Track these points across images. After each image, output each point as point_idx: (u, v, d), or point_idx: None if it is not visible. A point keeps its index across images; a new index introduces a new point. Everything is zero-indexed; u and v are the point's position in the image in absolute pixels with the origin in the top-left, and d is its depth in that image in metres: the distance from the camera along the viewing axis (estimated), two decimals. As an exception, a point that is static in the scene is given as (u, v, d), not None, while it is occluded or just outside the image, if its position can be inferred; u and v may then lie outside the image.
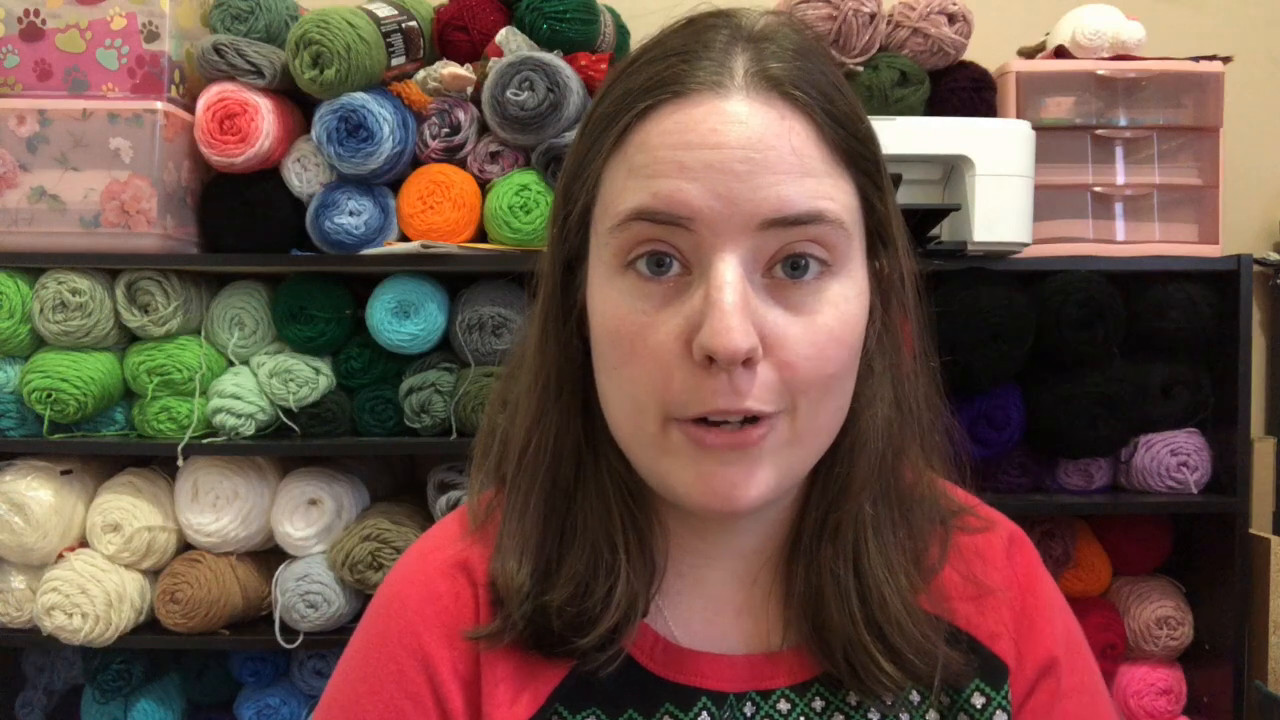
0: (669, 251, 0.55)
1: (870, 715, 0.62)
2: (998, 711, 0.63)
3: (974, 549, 0.67)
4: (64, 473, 1.61)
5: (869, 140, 0.59)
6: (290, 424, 1.61)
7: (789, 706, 0.63)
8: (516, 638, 0.61)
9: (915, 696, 0.63)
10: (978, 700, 0.63)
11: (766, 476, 0.56)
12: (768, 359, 0.54)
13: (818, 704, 0.62)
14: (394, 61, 1.59)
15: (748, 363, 0.53)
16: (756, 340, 0.53)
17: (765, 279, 0.55)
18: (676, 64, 0.56)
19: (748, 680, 0.63)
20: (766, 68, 0.56)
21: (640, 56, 0.59)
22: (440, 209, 1.59)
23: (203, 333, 1.64)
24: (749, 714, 0.62)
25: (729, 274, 0.53)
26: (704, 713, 0.62)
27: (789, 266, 0.55)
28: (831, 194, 0.55)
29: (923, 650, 0.61)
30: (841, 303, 0.56)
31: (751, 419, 0.55)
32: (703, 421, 0.55)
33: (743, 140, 0.54)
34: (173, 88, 1.59)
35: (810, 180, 0.54)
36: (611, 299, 0.57)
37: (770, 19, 0.59)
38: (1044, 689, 0.65)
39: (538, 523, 0.62)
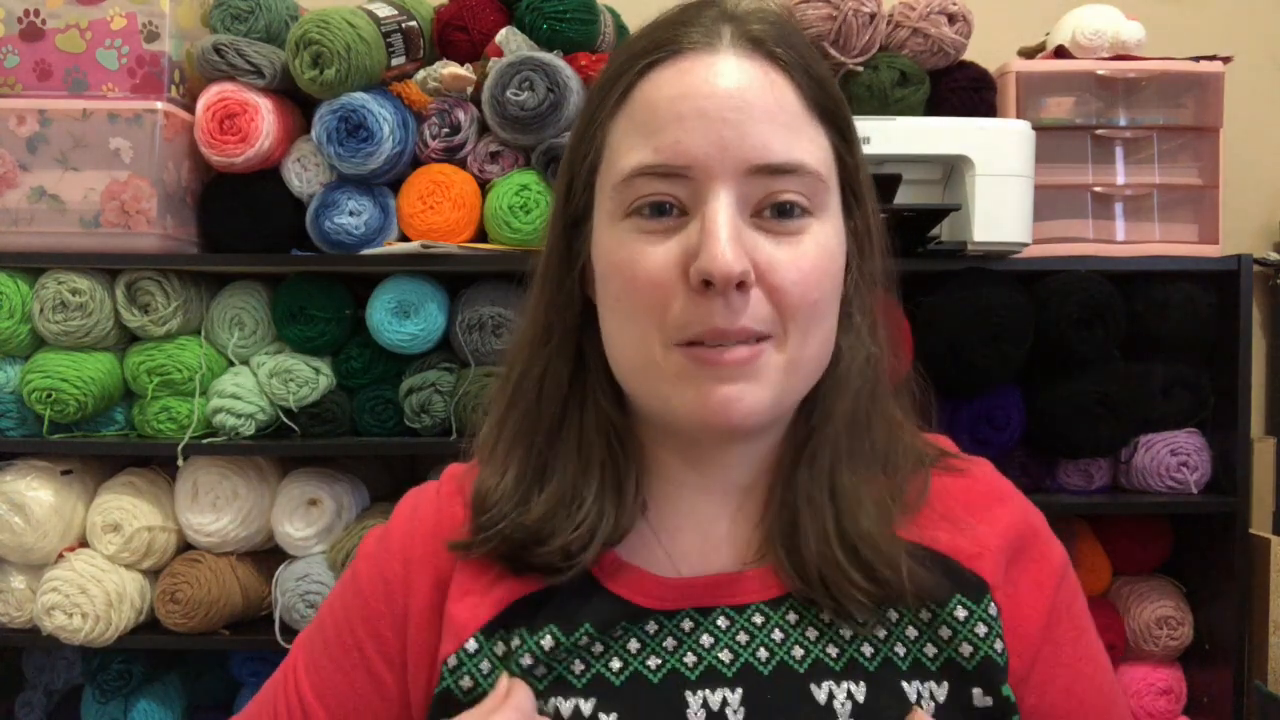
0: (669, 199, 0.61)
1: (843, 631, 0.64)
2: (979, 624, 0.64)
3: (957, 486, 0.70)
4: (64, 473, 1.61)
5: (840, 99, 0.66)
6: (290, 424, 1.61)
7: (763, 620, 0.65)
8: (489, 550, 0.66)
9: (894, 614, 0.65)
10: (960, 613, 0.64)
11: (762, 394, 0.61)
12: (760, 285, 0.60)
13: (791, 617, 0.65)
14: (394, 61, 1.59)
15: (741, 286, 0.59)
16: (749, 265, 0.59)
17: (755, 219, 0.61)
18: (672, 29, 0.63)
19: (716, 596, 0.66)
20: (750, 30, 0.63)
21: (638, 33, 0.66)
22: (440, 209, 1.59)
23: (203, 333, 1.64)
24: (723, 627, 0.64)
25: (722, 208, 0.59)
26: (652, 622, 0.65)
27: (775, 210, 0.61)
28: (810, 148, 0.62)
29: (895, 565, 0.63)
30: (823, 239, 0.62)
31: (745, 342, 0.60)
32: (700, 345, 0.60)
33: (731, 90, 0.60)
34: (173, 88, 1.59)
35: (790, 133, 0.61)
36: (615, 238, 0.62)
37: (751, 3, 0.66)
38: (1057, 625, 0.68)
39: (521, 455, 0.68)
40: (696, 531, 0.68)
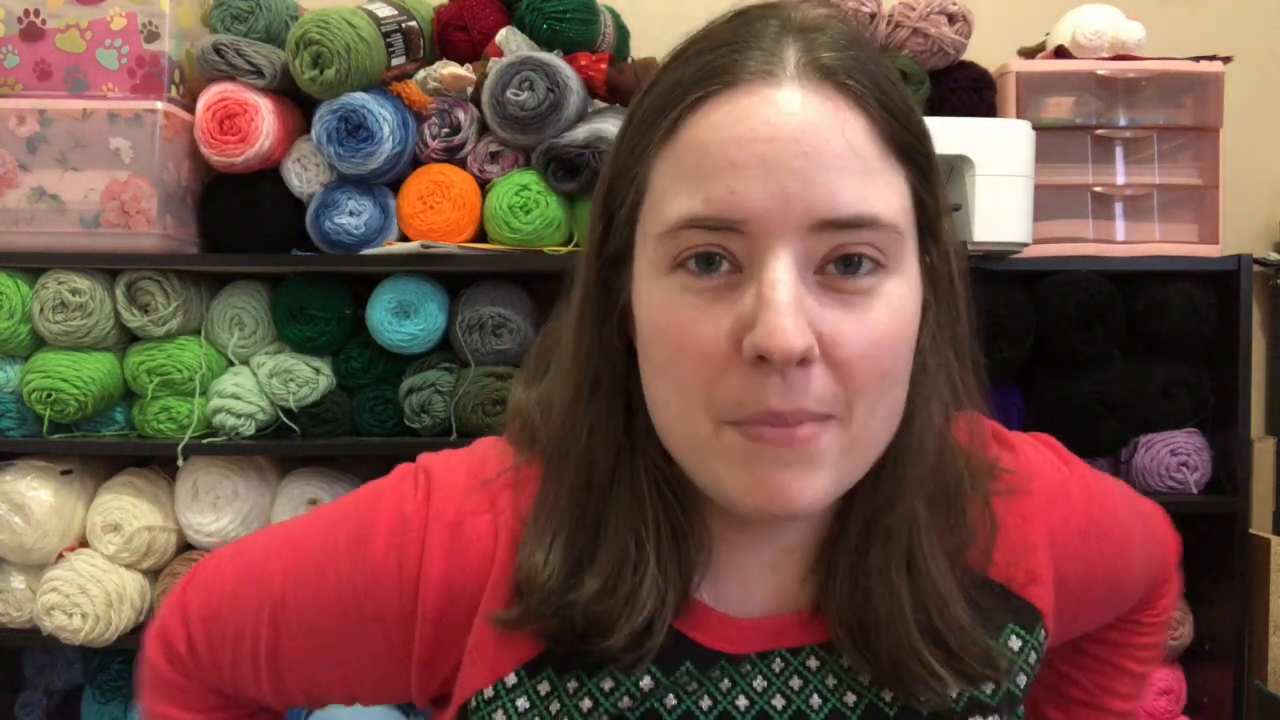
0: (720, 251, 0.54)
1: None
2: (1032, 653, 0.64)
3: (1014, 510, 0.67)
4: (64, 473, 1.61)
5: (921, 132, 0.57)
6: (290, 424, 1.61)
7: (818, 664, 0.62)
8: (539, 631, 0.60)
9: None
10: (1014, 643, 0.63)
11: (823, 479, 0.54)
12: (823, 359, 0.53)
13: (845, 661, 0.62)
14: (394, 61, 1.59)
15: (803, 362, 0.52)
16: (813, 339, 0.52)
17: (818, 276, 0.54)
18: (727, 54, 0.54)
19: (777, 639, 0.63)
20: (819, 57, 0.54)
21: (688, 48, 0.57)
22: (440, 209, 1.59)
23: (203, 333, 1.64)
24: (778, 670, 0.62)
25: (782, 272, 0.51)
26: (716, 668, 0.62)
27: (842, 264, 0.53)
28: (885, 195, 0.54)
29: (987, 656, 0.60)
30: (895, 300, 0.55)
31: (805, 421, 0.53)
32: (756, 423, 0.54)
33: (796, 132, 0.52)
34: (173, 88, 1.59)
35: (864, 180, 0.53)
36: (659, 297, 0.55)
37: (819, 11, 0.58)
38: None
39: (569, 521, 0.61)
40: (740, 586, 0.64)
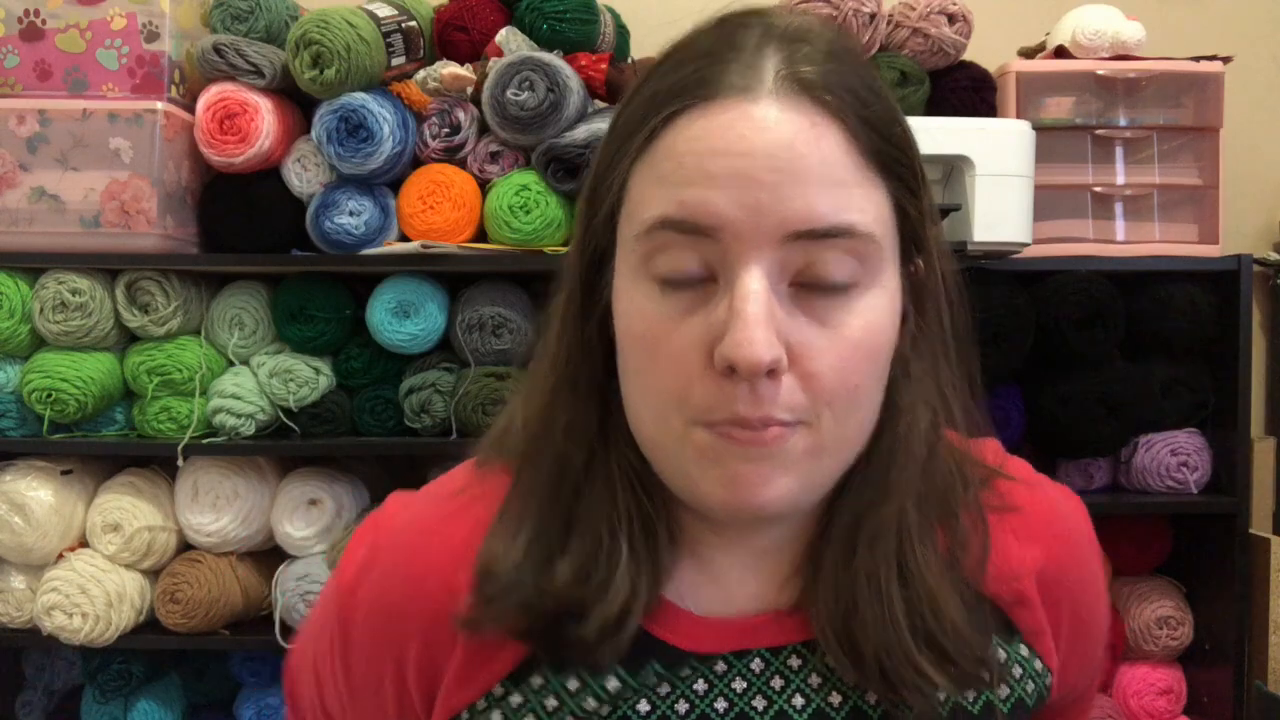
0: (695, 268, 0.54)
1: None
2: (1015, 665, 0.64)
3: (1007, 525, 0.66)
4: (64, 473, 1.61)
5: (904, 144, 0.58)
6: (290, 424, 1.61)
7: (800, 663, 0.62)
8: (508, 628, 0.60)
9: None
10: (999, 655, 0.63)
11: (788, 481, 0.55)
12: (792, 370, 0.53)
13: (830, 660, 0.61)
14: (394, 61, 1.59)
15: (771, 374, 0.52)
16: (780, 352, 0.52)
17: (791, 289, 0.54)
18: (705, 67, 0.55)
19: (756, 638, 0.63)
20: (798, 70, 0.54)
21: (670, 57, 0.57)
22: (440, 209, 1.59)
23: (203, 333, 1.64)
24: (757, 670, 0.62)
25: (754, 284, 0.52)
26: (687, 667, 0.61)
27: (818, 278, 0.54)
28: (862, 205, 0.54)
29: (978, 658, 0.59)
30: (870, 313, 0.55)
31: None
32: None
33: (771, 147, 0.52)
34: (173, 88, 1.59)
35: (840, 191, 0.53)
36: (636, 303, 0.56)
37: (804, 19, 0.58)
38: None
39: (539, 514, 0.61)
40: (719, 588, 0.64)
